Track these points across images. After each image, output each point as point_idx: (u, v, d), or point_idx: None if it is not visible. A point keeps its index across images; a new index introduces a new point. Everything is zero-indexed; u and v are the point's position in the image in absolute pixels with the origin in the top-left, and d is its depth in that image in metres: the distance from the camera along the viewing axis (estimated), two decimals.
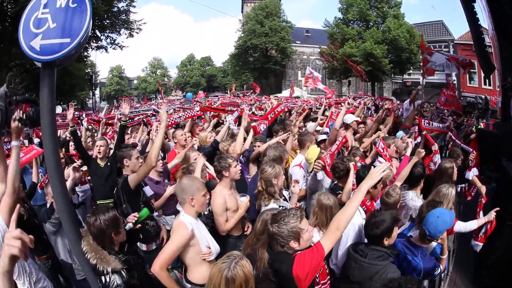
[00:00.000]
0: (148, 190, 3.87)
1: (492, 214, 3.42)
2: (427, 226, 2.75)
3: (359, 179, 3.08)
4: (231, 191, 3.54)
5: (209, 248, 2.74)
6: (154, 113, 9.48)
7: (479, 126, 7.63)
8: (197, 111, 6.55)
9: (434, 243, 2.91)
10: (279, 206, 3.23)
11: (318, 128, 6.19)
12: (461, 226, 3.47)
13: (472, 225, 3.49)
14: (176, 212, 3.38)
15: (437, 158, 4.20)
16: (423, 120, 5.14)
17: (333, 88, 29.66)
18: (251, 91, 23.09)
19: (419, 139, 4.86)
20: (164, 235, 3.59)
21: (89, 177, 5.11)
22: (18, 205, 1.86)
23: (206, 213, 3.74)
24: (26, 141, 5.41)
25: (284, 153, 4.21)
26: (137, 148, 5.09)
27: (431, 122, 5.49)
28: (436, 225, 2.70)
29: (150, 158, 3.23)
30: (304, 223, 2.34)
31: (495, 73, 4.91)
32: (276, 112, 6.55)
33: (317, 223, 2.99)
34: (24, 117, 2.33)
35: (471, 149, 4.33)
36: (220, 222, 3.38)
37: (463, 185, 4.46)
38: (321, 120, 6.46)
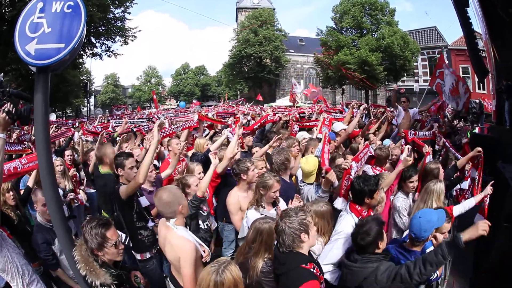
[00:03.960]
0: (144, 201, 3.75)
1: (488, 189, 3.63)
2: (411, 229, 2.76)
3: (354, 191, 3.01)
4: (247, 193, 3.70)
5: (205, 251, 2.77)
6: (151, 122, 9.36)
7: (474, 131, 7.67)
8: (194, 123, 6.48)
9: (430, 247, 2.89)
10: (261, 214, 3.22)
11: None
12: (459, 209, 3.61)
13: (469, 203, 3.65)
14: None
15: (429, 159, 4.19)
16: (409, 132, 5.00)
17: (326, 96, 29.73)
18: (243, 98, 23.29)
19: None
20: None
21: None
22: None
23: (203, 227, 3.71)
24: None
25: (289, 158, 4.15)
26: None
27: (417, 132, 5.43)
28: (420, 226, 2.69)
29: (139, 175, 3.13)
30: (309, 218, 2.43)
31: (489, 77, 4.94)
32: (264, 122, 6.63)
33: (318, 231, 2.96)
34: (13, 111, 2.29)
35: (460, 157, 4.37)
36: (234, 221, 3.69)
37: (457, 188, 4.49)
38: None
